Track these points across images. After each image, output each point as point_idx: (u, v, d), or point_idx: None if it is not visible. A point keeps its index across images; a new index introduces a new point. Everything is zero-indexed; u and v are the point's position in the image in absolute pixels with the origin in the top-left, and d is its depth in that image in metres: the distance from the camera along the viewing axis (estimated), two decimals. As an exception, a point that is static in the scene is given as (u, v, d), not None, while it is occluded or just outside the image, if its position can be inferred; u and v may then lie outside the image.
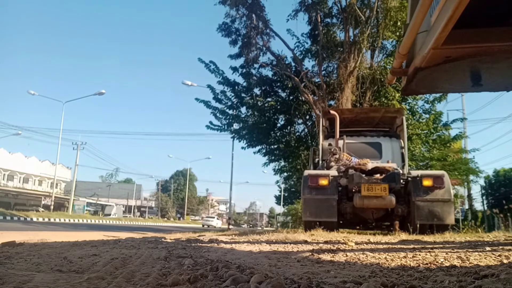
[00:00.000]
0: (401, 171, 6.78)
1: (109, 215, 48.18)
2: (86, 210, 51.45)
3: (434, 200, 6.14)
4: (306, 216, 6.43)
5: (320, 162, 7.98)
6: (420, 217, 6.08)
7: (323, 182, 6.40)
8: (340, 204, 6.45)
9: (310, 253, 2.91)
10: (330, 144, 7.89)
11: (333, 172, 6.70)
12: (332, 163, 7.34)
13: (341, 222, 6.79)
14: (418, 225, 6.11)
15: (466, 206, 24.42)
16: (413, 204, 6.21)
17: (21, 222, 19.72)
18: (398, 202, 6.32)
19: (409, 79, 3.03)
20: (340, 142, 7.71)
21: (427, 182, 6.19)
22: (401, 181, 6.48)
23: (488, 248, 3.09)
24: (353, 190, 6.43)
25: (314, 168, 8.43)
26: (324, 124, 8.58)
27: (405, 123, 8.17)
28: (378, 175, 6.52)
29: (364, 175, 6.46)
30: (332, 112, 8.15)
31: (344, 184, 6.52)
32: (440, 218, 6.06)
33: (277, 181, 29.03)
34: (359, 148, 8.03)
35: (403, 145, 8.08)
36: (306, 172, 6.81)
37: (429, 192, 6.17)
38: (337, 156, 7.39)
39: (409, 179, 6.46)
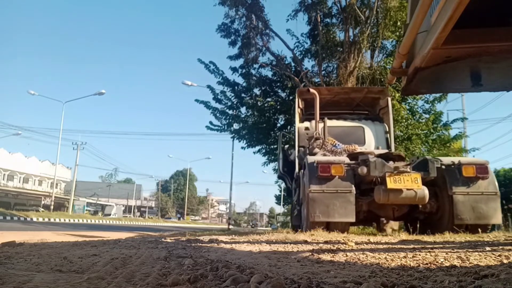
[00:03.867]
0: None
1: (109, 215, 48.23)
2: (86, 210, 51.46)
3: (478, 193, 4.99)
4: (315, 217, 4.97)
5: (297, 148, 6.93)
6: (461, 215, 4.92)
7: (337, 171, 5.07)
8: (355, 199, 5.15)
9: (310, 253, 2.90)
10: (307, 128, 6.97)
11: (346, 159, 5.47)
12: (316, 149, 6.28)
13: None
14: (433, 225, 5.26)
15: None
16: (449, 199, 5.06)
17: (21, 222, 19.71)
18: None
19: (409, 79, 3.03)
20: (320, 126, 6.67)
21: (468, 171, 5.06)
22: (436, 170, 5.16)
23: (488, 248, 3.08)
24: (373, 182, 5.15)
25: (284, 156, 7.65)
26: (299, 106, 7.56)
27: (390, 105, 7.25)
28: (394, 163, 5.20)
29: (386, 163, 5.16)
30: (311, 91, 7.00)
31: (364, 173, 5.06)
32: (485, 217, 4.93)
33: (277, 181, 29.07)
34: (339, 132, 6.90)
35: (387, 130, 7.17)
36: (313, 159, 5.33)
37: (470, 184, 5.02)
38: (320, 141, 6.38)
39: (443, 167, 5.26)
